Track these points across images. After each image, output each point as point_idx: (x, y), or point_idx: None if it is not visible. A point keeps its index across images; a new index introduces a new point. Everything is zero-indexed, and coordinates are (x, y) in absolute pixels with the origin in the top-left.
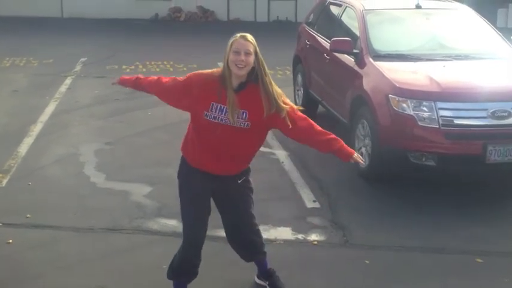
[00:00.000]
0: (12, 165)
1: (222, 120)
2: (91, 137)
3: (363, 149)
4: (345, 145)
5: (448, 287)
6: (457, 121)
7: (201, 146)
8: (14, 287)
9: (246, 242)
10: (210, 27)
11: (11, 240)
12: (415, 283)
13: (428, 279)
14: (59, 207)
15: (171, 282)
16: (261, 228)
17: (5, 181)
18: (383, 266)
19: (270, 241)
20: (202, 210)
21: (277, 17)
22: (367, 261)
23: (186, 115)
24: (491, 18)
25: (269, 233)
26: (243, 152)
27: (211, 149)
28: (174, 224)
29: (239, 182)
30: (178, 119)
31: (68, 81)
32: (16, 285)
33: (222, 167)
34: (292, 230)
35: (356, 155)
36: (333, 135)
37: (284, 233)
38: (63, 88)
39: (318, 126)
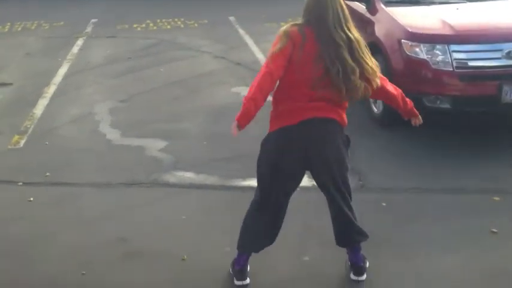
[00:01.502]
0: (28, 126)
1: None
2: (105, 95)
3: None
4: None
5: (467, 226)
6: (471, 63)
7: None
8: (36, 244)
9: None
10: None
11: (31, 199)
12: (434, 223)
13: (446, 219)
14: (77, 164)
15: (189, 230)
16: None
17: (22, 142)
18: (400, 207)
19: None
20: None
21: None
22: (383, 204)
23: (198, 71)
24: None
25: None
26: None
27: None
28: (191, 176)
29: None
30: (189, 75)
31: (80, 42)
32: (38, 242)
33: None
34: (309, 176)
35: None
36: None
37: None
38: (75, 49)
39: None
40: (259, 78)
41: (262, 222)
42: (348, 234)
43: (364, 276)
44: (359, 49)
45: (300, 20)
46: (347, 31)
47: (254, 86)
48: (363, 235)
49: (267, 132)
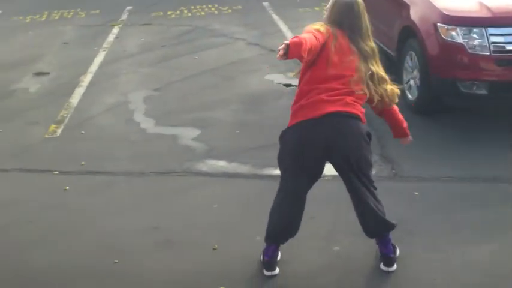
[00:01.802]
0: (65, 115)
1: None
2: (139, 84)
3: (411, 81)
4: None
5: (501, 216)
6: (509, 47)
7: None
8: (72, 232)
9: None
10: None
11: (67, 187)
12: (467, 212)
13: (479, 208)
14: (112, 153)
15: (220, 219)
16: None
17: (59, 131)
18: (433, 197)
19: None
20: None
21: None
22: (416, 193)
23: (231, 58)
24: None
25: None
26: None
27: None
28: (223, 165)
29: None
30: (223, 63)
31: (115, 30)
32: (74, 230)
33: None
34: None
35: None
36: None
37: (332, 168)
38: (110, 37)
39: None
40: (305, 35)
41: (286, 214)
42: (371, 225)
43: (395, 267)
44: (377, 59)
45: (327, 22)
46: (371, 41)
47: (300, 37)
48: (388, 226)
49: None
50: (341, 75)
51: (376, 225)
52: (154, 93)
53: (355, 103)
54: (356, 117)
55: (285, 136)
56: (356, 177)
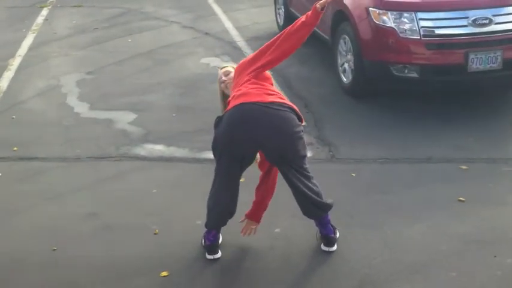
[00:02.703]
0: None
1: None
2: (72, 67)
3: (346, 65)
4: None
5: (434, 195)
6: (438, 31)
7: None
8: (7, 220)
9: None
10: None
11: (0, 174)
12: (402, 192)
13: (414, 187)
14: (45, 138)
15: (160, 203)
16: None
17: None
18: (369, 177)
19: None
20: None
21: None
22: (353, 174)
23: (166, 41)
24: None
25: None
26: None
27: None
28: (161, 149)
29: None
30: (158, 46)
31: (45, 12)
32: (7, 218)
33: None
34: None
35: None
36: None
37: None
38: (39, 19)
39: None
40: None
41: (223, 199)
42: (308, 208)
43: (335, 247)
44: None
45: None
46: None
47: None
48: (324, 207)
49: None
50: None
51: (313, 208)
52: (88, 77)
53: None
54: (285, 106)
55: (219, 123)
56: (286, 165)
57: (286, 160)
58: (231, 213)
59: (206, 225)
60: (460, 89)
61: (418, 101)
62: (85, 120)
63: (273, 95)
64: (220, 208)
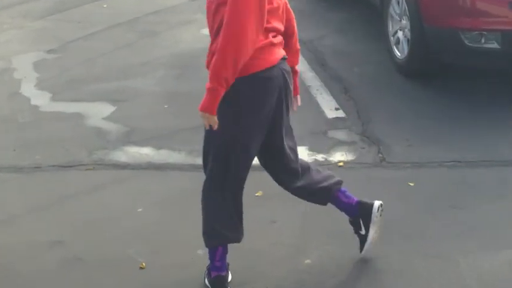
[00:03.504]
0: None
1: None
2: (27, 44)
3: (399, 34)
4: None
5: None
6: None
7: None
8: None
9: None
10: None
11: None
12: (480, 206)
13: (497, 200)
14: None
15: (147, 227)
16: None
17: None
18: (434, 188)
19: None
20: None
21: None
22: (411, 184)
23: (154, 6)
24: None
25: None
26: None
27: None
28: (148, 152)
29: None
30: (143, 12)
31: None
32: None
33: None
34: (309, 149)
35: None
36: None
37: (299, 153)
38: None
39: None
40: None
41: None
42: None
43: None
44: None
45: None
46: None
47: None
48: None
49: None
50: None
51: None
52: (48, 56)
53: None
54: None
55: None
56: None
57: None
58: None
59: (208, 242)
60: None
61: (499, 82)
62: (46, 116)
63: None
64: (230, 210)
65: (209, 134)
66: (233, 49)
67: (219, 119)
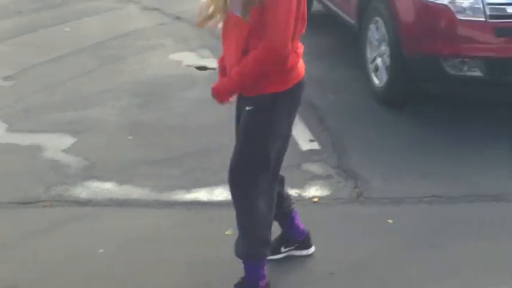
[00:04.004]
0: None
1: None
2: None
3: (378, 60)
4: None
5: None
6: (511, 9)
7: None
8: None
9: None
10: None
11: None
12: (461, 243)
13: (481, 239)
14: None
15: (111, 272)
16: None
17: None
18: (414, 225)
19: None
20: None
21: None
22: (390, 221)
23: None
24: None
25: None
26: (235, 57)
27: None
28: (110, 188)
29: (246, 108)
30: (108, 36)
31: None
32: None
33: None
34: None
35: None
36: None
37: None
38: None
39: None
40: None
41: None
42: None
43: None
44: None
45: None
46: None
47: None
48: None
49: None
50: None
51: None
52: (5, 84)
53: None
54: None
55: None
56: None
57: None
58: None
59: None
60: None
61: (481, 111)
62: (0, 148)
63: None
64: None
65: (249, 147)
66: (267, 66)
67: (261, 129)
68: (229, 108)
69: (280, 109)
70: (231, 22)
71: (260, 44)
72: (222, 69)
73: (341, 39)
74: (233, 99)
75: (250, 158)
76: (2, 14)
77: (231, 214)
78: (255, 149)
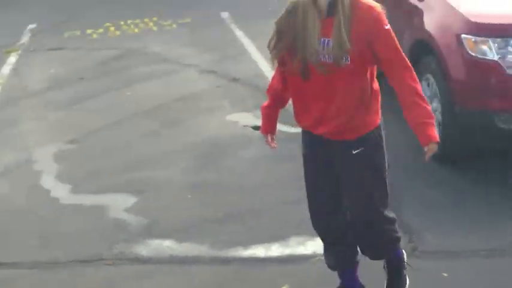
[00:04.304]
0: None
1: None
2: (48, 135)
3: None
4: (431, 123)
5: None
6: None
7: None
8: None
9: (359, 235)
10: None
11: None
12: None
13: None
14: (12, 235)
15: None
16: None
17: None
18: (470, 279)
19: (307, 258)
20: (319, 184)
21: None
22: (445, 274)
23: (178, 93)
24: None
25: (303, 246)
26: (341, 103)
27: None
28: (171, 245)
29: (353, 152)
30: (167, 100)
31: (13, 59)
32: None
33: (325, 127)
34: None
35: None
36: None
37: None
38: (5, 69)
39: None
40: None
41: None
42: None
43: None
44: None
45: None
46: None
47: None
48: None
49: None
50: None
51: None
52: (69, 147)
53: None
54: None
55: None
56: None
57: None
58: None
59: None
60: None
61: None
62: (66, 208)
63: None
64: None
65: (378, 182)
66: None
67: (381, 162)
68: (281, 168)
69: (383, 137)
70: (314, 72)
71: (398, 79)
72: (269, 116)
73: (391, 96)
74: None
75: (383, 190)
76: (65, 82)
77: (288, 269)
78: (383, 181)
